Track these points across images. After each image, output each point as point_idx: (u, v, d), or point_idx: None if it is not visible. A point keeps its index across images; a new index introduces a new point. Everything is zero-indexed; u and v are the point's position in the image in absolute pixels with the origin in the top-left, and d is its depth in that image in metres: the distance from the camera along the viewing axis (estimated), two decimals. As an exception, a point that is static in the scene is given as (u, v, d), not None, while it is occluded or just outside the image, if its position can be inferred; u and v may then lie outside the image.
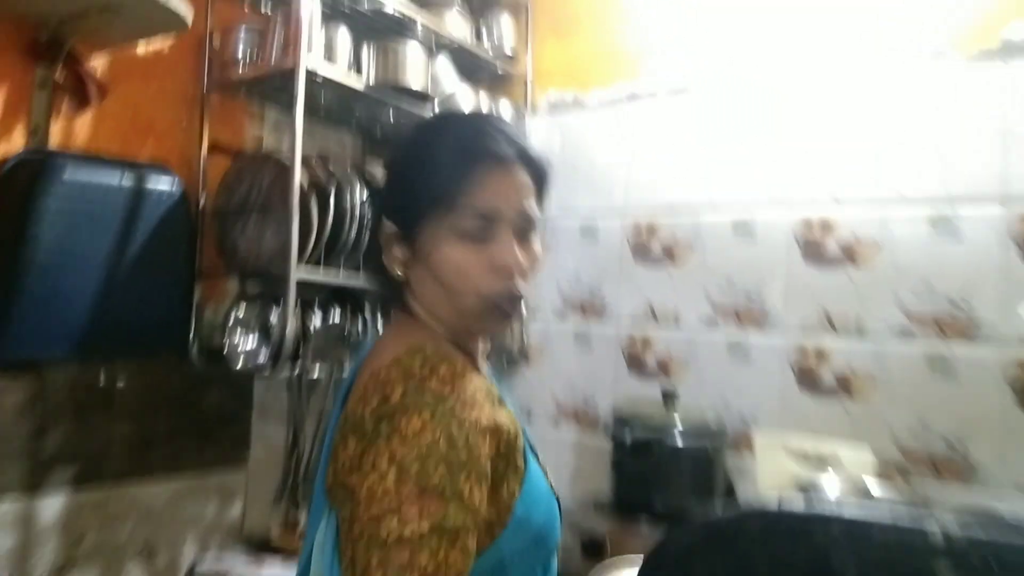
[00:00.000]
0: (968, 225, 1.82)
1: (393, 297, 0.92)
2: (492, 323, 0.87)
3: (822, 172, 2.02)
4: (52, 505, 1.62)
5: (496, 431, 0.78)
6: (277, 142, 2.04)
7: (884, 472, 1.81)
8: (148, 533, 1.78)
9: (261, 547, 1.95)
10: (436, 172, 0.84)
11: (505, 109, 2.49)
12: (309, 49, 1.73)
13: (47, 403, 1.62)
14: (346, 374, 0.94)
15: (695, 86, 2.25)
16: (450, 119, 0.96)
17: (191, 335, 1.80)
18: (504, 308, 0.85)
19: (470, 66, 2.44)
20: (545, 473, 0.90)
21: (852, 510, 0.64)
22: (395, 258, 0.88)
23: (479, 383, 0.81)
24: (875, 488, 1.70)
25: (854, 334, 1.95)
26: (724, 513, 0.85)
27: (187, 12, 1.53)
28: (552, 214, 2.46)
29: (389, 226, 0.88)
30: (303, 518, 2.02)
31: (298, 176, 1.67)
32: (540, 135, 2.52)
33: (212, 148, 1.88)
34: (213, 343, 1.79)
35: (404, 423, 0.72)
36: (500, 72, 2.49)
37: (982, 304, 1.79)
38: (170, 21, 1.52)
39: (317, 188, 1.75)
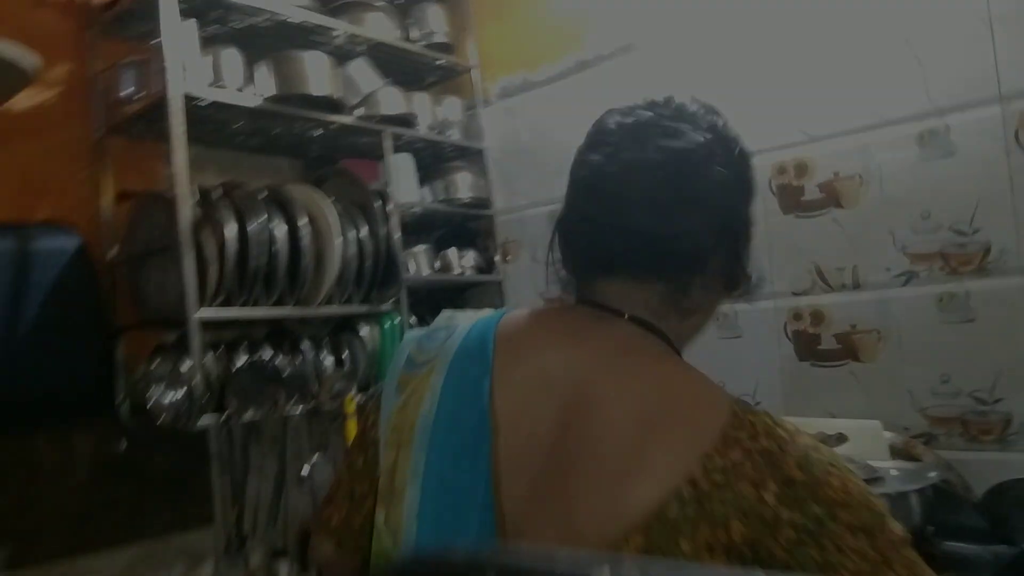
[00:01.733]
0: (962, 136, 1.53)
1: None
2: None
3: (790, 110, 1.76)
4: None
5: None
6: (197, 179, 1.92)
7: (904, 445, 1.52)
8: (103, 606, 1.69)
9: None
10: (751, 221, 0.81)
11: (452, 106, 2.33)
12: (184, 75, 1.62)
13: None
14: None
15: (642, 41, 2.03)
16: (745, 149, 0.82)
17: (119, 395, 1.70)
18: None
19: (410, 68, 2.29)
20: None
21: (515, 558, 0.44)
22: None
23: None
24: (889, 467, 1.42)
25: (850, 287, 1.67)
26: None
27: (31, 63, 1.41)
28: (521, 203, 2.29)
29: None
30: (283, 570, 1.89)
31: (185, 210, 1.56)
32: (496, 125, 2.35)
33: (121, 196, 1.79)
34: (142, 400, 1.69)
35: (835, 494, 0.61)
36: (443, 66, 2.32)
37: (991, 225, 1.49)
38: (12, 77, 1.40)
39: (212, 221, 1.62)
